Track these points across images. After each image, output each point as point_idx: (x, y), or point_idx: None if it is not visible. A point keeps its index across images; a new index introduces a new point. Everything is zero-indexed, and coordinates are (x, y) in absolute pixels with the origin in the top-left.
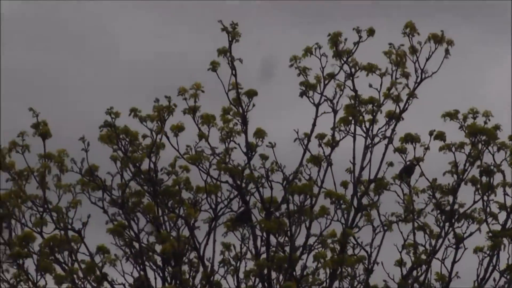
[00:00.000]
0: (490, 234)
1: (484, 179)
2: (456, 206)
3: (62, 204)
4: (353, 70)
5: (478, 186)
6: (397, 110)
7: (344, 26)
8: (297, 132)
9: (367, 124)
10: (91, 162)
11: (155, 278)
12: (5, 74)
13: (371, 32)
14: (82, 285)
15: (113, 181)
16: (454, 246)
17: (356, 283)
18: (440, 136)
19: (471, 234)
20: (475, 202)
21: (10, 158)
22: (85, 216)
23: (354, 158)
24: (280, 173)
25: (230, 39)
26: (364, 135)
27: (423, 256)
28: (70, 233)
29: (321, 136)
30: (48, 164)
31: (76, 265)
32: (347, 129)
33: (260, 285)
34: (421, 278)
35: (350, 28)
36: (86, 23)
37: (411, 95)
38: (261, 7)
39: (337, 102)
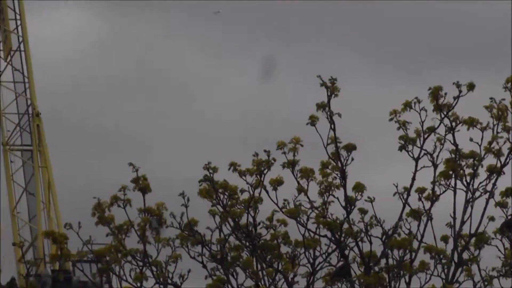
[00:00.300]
0: None
1: None
2: None
3: (161, 258)
4: (453, 124)
5: None
6: (498, 164)
7: (444, 80)
8: (397, 186)
9: (468, 178)
10: (190, 216)
11: None
12: (107, 130)
13: (471, 86)
14: None
15: (212, 235)
16: None
17: None
18: None
19: None
20: None
21: (110, 212)
22: (185, 270)
23: (454, 212)
24: (379, 227)
25: (329, 94)
26: (465, 189)
27: None
28: (170, 287)
29: (421, 190)
30: (149, 218)
31: None
32: (448, 183)
33: None
34: None
35: (450, 82)
36: (180, 79)
37: None
38: (354, 61)
39: (437, 156)
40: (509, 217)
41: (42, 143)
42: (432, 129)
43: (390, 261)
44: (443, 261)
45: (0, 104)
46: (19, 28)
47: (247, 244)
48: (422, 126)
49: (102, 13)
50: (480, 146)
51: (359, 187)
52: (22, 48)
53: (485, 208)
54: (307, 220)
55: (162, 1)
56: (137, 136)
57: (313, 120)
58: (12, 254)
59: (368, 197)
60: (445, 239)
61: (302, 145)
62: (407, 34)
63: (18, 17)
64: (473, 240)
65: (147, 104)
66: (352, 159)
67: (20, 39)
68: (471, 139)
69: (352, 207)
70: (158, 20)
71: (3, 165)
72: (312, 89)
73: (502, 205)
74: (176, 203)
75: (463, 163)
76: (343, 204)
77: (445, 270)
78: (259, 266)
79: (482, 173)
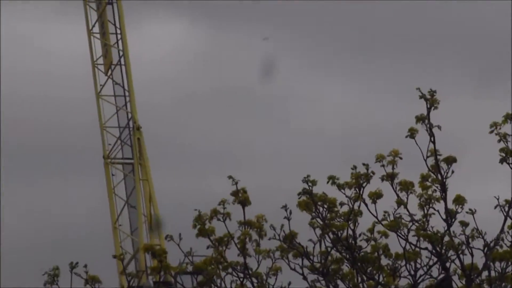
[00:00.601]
0: None
1: None
2: None
3: (261, 270)
4: None
5: None
6: None
7: None
8: (498, 199)
9: None
10: (290, 228)
11: None
12: (206, 145)
13: None
14: None
15: (314, 248)
16: None
17: None
18: None
19: None
20: None
21: (210, 224)
22: (285, 282)
23: None
24: (480, 240)
25: (428, 106)
26: None
27: None
28: None
29: None
30: (249, 231)
31: None
32: None
33: None
34: None
35: None
36: (282, 94)
37: None
38: (453, 72)
39: None
40: None
41: (143, 156)
42: None
43: (492, 273)
44: None
45: (101, 118)
46: (120, 42)
47: (348, 256)
48: None
49: (200, 27)
50: None
51: (459, 200)
52: (122, 62)
53: None
54: (408, 232)
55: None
56: (237, 151)
57: (412, 133)
58: (114, 266)
59: (470, 209)
60: None
61: (401, 158)
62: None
63: (118, 31)
64: None
65: (246, 119)
66: (453, 172)
67: (121, 53)
68: None
69: (453, 219)
70: (257, 34)
71: (104, 178)
72: (412, 102)
73: None
74: (276, 216)
75: None
76: (444, 216)
77: None
78: (359, 279)
79: None
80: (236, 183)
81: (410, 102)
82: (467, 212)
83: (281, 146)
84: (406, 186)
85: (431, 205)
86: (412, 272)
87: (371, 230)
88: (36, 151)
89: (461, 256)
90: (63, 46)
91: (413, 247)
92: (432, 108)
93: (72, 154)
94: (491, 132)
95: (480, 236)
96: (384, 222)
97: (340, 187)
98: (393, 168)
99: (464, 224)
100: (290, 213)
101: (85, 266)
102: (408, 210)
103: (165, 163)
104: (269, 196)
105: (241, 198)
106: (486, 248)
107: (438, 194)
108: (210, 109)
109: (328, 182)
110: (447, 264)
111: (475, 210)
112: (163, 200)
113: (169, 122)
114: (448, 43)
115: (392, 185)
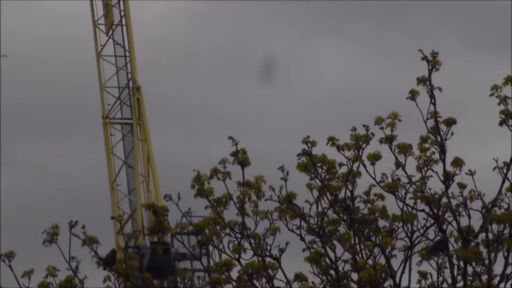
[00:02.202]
0: None
1: None
2: None
3: (259, 231)
4: None
5: None
6: None
7: None
8: (497, 161)
9: None
10: (288, 189)
11: None
12: (203, 106)
13: None
14: None
15: (311, 209)
16: None
17: None
18: None
19: None
20: None
21: (209, 184)
22: (283, 243)
23: None
24: (478, 201)
25: (430, 68)
26: None
27: None
28: (268, 259)
29: None
30: (248, 191)
31: None
32: None
33: None
34: None
35: None
36: (288, 57)
37: None
38: (453, 35)
39: None
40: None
41: (142, 116)
42: None
43: (489, 235)
44: None
45: (101, 78)
46: (121, 2)
47: (345, 218)
48: None
49: None
50: None
51: (457, 162)
52: (123, 22)
53: None
54: (405, 194)
55: None
56: (237, 113)
57: (413, 95)
58: (111, 226)
59: (469, 170)
60: None
61: (400, 120)
62: None
63: None
64: None
65: (242, 81)
66: (452, 134)
67: (122, 13)
68: None
69: (451, 181)
70: None
71: (103, 138)
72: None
73: None
74: (275, 177)
75: None
76: (442, 178)
77: None
78: (357, 240)
79: None
80: (236, 144)
81: (412, 65)
82: (466, 173)
83: (281, 109)
84: (405, 148)
85: (429, 167)
86: (409, 234)
87: (367, 193)
88: (37, 112)
89: (458, 218)
90: (64, 7)
91: (410, 209)
92: (434, 70)
93: (72, 114)
94: (492, 95)
95: (478, 198)
96: (382, 184)
97: (340, 148)
98: (392, 131)
99: (462, 186)
100: (287, 174)
101: (83, 227)
102: (406, 172)
103: (165, 124)
104: (269, 158)
105: (241, 158)
106: (484, 210)
107: (436, 156)
108: (211, 69)
109: (327, 144)
110: (444, 226)
111: (475, 171)
112: (161, 161)
113: (170, 83)
114: (445, 8)
115: (390, 148)
